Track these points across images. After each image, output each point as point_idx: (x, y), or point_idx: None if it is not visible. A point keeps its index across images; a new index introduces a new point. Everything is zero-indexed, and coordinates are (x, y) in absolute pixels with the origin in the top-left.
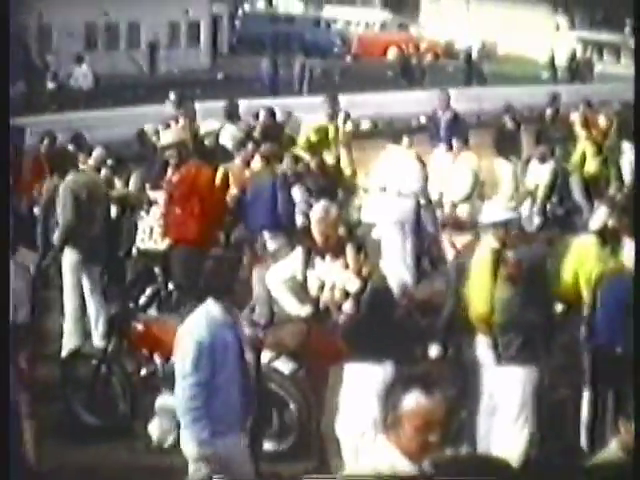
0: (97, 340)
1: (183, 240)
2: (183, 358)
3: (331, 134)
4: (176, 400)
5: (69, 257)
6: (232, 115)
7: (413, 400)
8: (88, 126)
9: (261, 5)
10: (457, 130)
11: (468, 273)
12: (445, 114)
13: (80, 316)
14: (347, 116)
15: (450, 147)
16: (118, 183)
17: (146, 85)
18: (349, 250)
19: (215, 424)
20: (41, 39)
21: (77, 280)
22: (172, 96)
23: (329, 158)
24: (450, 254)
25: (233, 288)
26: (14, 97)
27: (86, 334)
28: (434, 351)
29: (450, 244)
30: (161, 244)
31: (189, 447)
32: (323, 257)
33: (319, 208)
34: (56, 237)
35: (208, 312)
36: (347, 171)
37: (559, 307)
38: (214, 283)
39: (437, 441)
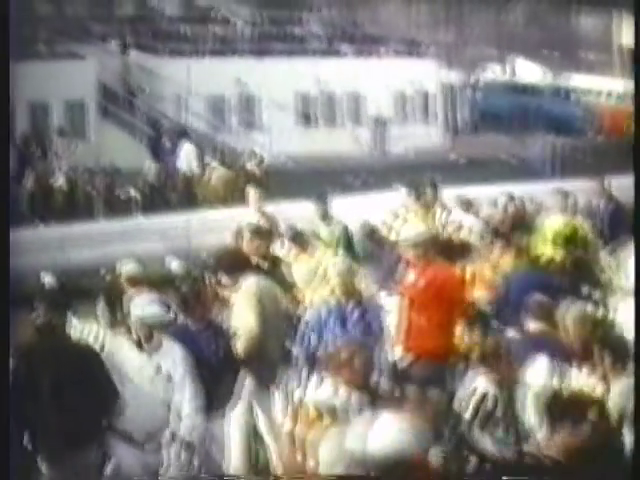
0: None
1: (426, 354)
2: None
3: (580, 231)
4: None
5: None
6: (470, 205)
7: None
8: (303, 217)
9: (495, 72)
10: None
11: None
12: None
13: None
14: None
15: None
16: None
17: (372, 168)
18: (597, 352)
19: None
20: (243, 110)
21: (248, 406)
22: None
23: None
24: None
25: None
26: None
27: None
28: None
29: None
30: (400, 360)
31: None
32: (570, 360)
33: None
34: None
35: None
36: (603, 269)
37: None
38: None
39: None
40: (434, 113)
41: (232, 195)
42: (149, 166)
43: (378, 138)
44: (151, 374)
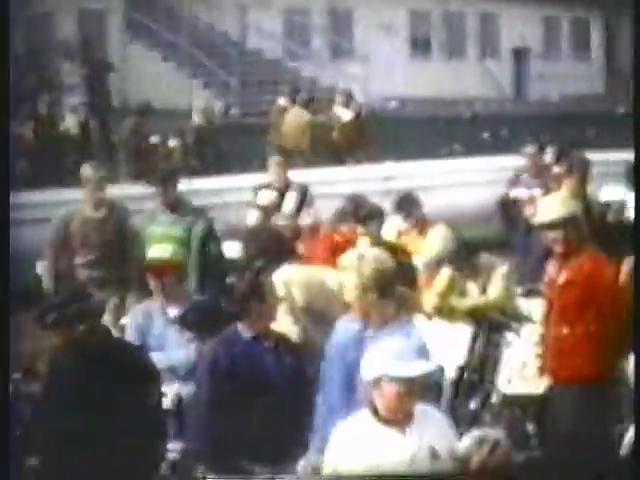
0: None
1: (570, 377)
2: None
3: None
4: None
5: None
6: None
7: None
8: (421, 187)
9: None
10: None
11: None
12: None
13: None
14: None
15: None
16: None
17: (505, 116)
18: None
19: None
20: (333, 30)
21: None
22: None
23: None
24: None
25: None
26: None
27: None
28: None
29: None
30: (537, 385)
31: None
32: None
33: None
34: None
35: None
36: None
37: None
38: None
39: None
40: (591, 46)
41: (314, 148)
42: (203, 105)
43: (517, 77)
44: None
